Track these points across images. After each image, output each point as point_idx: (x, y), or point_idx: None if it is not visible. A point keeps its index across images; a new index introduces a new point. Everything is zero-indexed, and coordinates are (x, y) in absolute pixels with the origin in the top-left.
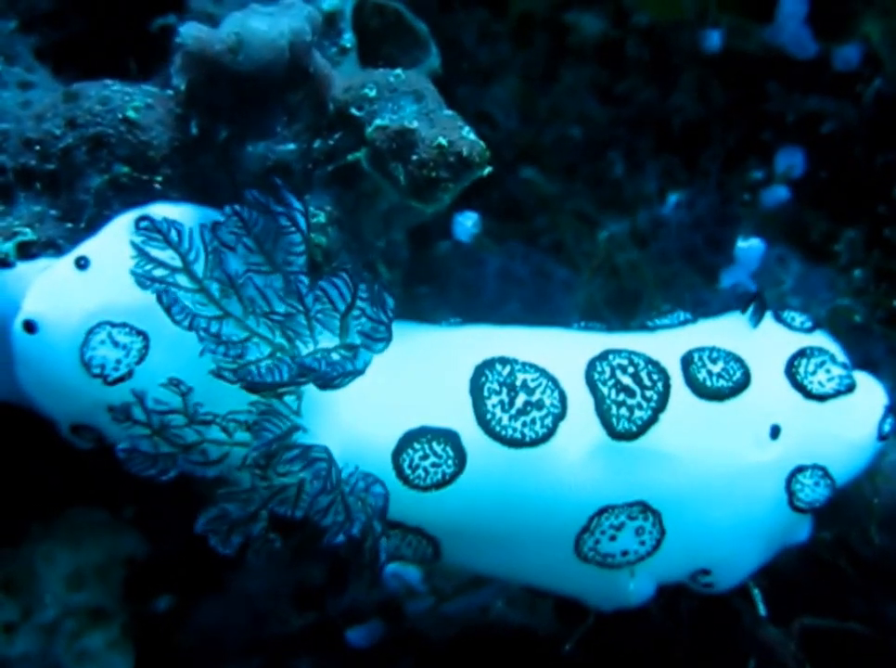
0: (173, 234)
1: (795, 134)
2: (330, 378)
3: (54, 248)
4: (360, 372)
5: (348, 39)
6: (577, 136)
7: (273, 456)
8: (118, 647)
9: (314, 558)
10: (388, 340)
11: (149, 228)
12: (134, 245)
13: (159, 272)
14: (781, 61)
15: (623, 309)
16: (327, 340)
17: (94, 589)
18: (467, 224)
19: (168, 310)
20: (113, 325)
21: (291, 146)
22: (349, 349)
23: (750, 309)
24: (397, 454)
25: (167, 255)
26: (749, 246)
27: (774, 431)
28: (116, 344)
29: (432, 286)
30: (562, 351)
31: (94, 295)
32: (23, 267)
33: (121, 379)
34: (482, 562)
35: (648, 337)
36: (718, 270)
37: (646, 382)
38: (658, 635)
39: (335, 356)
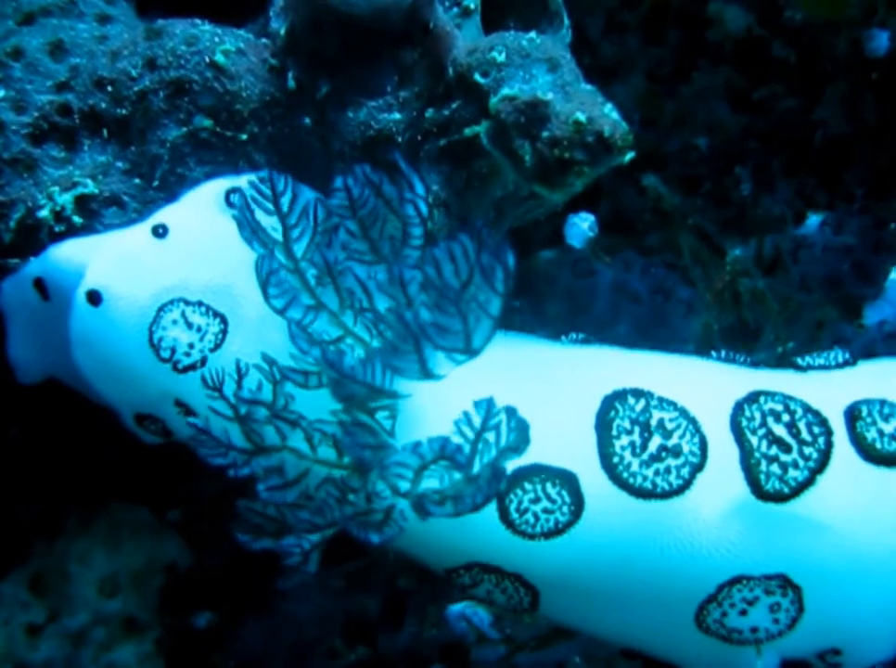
0: (285, 202)
1: None
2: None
3: (117, 205)
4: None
5: None
6: (703, 147)
7: (364, 471)
8: (149, 663)
9: (370, 589)
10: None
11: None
12: (241, 197)
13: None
14: None
15: (742, 342)
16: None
17: (129, 597)
18: (582, 226)
19: (265, 283)
20: (188, 303)
21: (397, 115)
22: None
23: None
24: (503, 495)
25: (270, 223)
26: None
27: None
28: (190, 326)
29: (527, 298)
30: (704, 386)
31: (170, 268)
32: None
33: (192, 367)
34: (583, 619)
35: (801, 378)
36: (861, 303)
37: (806, 436)
38: None
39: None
